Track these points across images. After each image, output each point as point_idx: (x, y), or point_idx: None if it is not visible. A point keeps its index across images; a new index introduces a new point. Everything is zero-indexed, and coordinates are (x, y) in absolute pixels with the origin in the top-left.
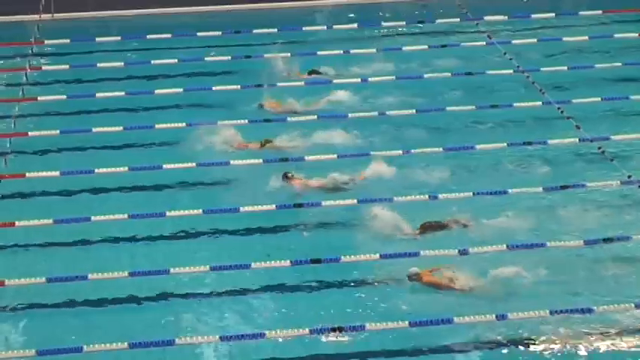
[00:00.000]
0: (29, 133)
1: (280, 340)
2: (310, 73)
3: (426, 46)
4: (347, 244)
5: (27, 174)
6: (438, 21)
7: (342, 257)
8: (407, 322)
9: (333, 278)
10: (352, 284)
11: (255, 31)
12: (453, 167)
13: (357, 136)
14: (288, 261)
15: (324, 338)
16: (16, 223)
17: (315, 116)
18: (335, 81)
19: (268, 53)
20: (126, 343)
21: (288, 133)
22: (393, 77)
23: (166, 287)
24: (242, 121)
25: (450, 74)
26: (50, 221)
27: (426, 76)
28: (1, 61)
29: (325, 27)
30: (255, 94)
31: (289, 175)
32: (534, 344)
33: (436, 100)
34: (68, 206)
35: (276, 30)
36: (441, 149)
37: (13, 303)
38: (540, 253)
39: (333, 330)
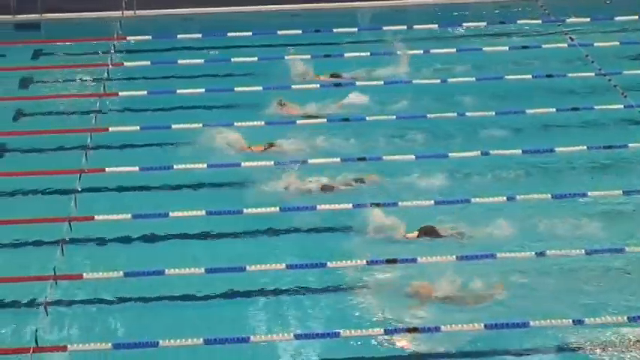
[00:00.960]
0: (110, 129)
1: (354, 339)
2: (332, 75)
3: (506, 48)
4: None
5: (107, 169)
6: (520, 22)
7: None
8: (482, 325)
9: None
10: None
11: (335, 30)
12: (530, 169)
13: (434, 135)
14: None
15: (399, 339)
16: (95, 217)
17: (394, 117)
18: (415, 81)
19: (348, 52)
20: (201, 339)
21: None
22: (473, 78)
23: (243, 284)
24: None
25: (530, 76)
26: (129, 216)
27: (506, 77)
28: (84, 57)
29: (405, 27)
30: (336, 93)
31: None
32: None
33: (516, 102)
34: (147, 201)
35: (355, 29)
36: (519, 151)
37: (91, 296)
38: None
39: (409, 331)
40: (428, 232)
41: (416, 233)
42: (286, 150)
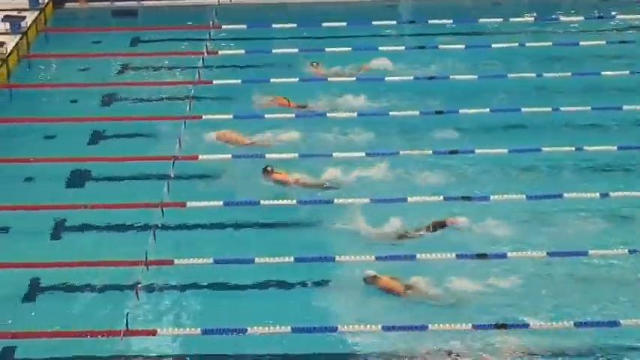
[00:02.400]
0: (203, 116)
1: (443, 333)
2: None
3: (603, 42)
4: None
5: (200, 156)
6: (619, 17)
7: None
8: (571, 323)
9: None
10: None
11: (430, 21)
12: (624, 165)
13: (526, 129)
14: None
15: (488, 334)
16: (187, 203)
17: (487, 109)
18: (510, 75)
19: (443, 44)
20: (289, 327)
21: None
22: (569, 74)
23: (331, 274)
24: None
25: (628, 72)
26: (220, 203)
27: (603, 73)
28: (180, 45)
29: (502, 19)
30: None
31: (269, 169)
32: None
33: (613, 98)
34: (238, 189)
35: (451, 21)
36: (615, 147)
37: (181, 282)
38: None
39: (498, 326)
40: None
41: None
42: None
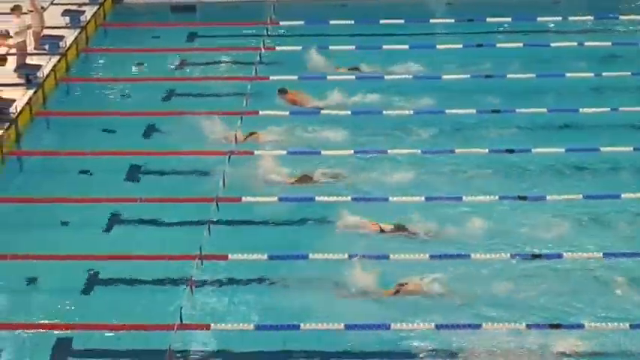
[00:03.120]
0: (260, 112)
1: (496, 332)
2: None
3: None
4: None
5: (255, 151)
6: None
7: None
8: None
9: None
10: None
11: (488, 19)
12: None
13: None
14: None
15: (540, 334)
16: (242, 198)
17: (545, 109)
18: (568, 75)
19: (500, 43)
20: (342, 324)
21: None
22: (629, 73)
23: (386, 273)
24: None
25: None
26: (275, 199)
27: None
28: (237, 40)
29: (560, 18)
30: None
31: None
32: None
33: None
34: (293, 185)
35: (509, 19)
36: None
37: (235, 277)
38: None
39: (552, 326)
40: None
41: None
42: None
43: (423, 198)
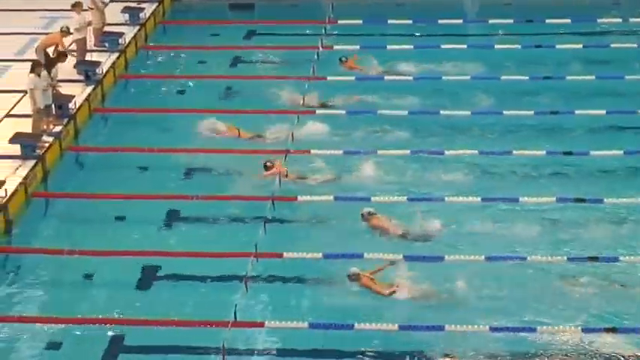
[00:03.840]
0: (317, 112)
1: (552, 335)
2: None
3: None
4: None
5: (311, 150)
6: None
7: None
8: None
9: None
10: None
11: (547, 20)
12: None
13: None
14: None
15: (597, 338)
16: (298, 197)
17: (604, 112)
18: (627, 77)
19: (559, 44)
20: (396, 325)
21: None
22: None
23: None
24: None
25: None
26: (330, 198)
27: None
28: (295, 39)
29: (620, 19)
30: (542, 86)
31: (268, 164)
32: None
33: None
34: (351, 184)
35: (569, 20)
36: None
37: (290, 275)
38: None
39: (607, 330)
40: None
41: None
42: None
43: (479, 199)
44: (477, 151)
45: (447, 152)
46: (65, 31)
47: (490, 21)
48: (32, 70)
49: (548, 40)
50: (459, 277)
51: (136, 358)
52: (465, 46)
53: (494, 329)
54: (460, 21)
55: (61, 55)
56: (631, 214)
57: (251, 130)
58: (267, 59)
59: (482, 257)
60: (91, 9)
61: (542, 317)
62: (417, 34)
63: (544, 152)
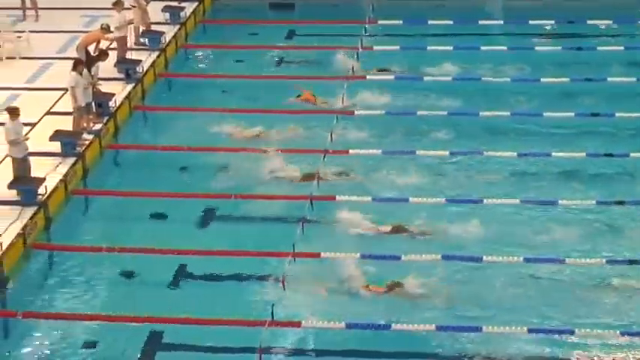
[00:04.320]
0: (355, 112)
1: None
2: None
3: None
4: None
5: (350, 150)
6: None
7: None
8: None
9: None
10: None
11: (589, 21)
12: None
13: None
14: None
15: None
16: (337, 197)
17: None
18: None
19: (600, 45)
20: (434, 326)
21: None
22: None
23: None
24: None
25: None
26: (369, 199)
27: None
28: (335, 39)
29: None
30: (582, 88)
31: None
32: None
33: None
34: (389, 186)
35: (611, 22)
36: None
37: (328, 275)
38: None
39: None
40: None
41: None
42: None
43: (518, 200)
44: (515, 153)
45: (485, 153)
46: (105, 29)
47: (531, 22)
48: (74, 68)
49: (589, 42)
50: (497, 279)
51: (173, 356)
52: (505, 48)
53: (532, 331)
54: (501, 22)
55: (102, 54)
56: None
57: (290, 127)
58: (307, 59)
59: (521, 259)
60: (133, 7)
61: (580, 320)
62: (457, 35)
63: (584, 154)
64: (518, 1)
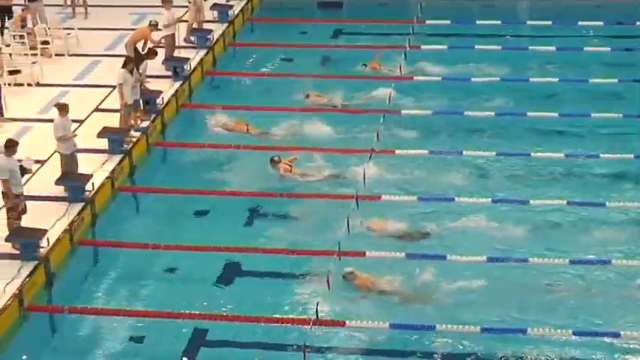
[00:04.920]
0: (402, 112)
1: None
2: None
3: None
4: None
5: (397, 151)
6: None
7: None
8: None
9: None
10: None
11: (638, 23)
12: None
13: None
14: None
15: None
16: (382, 196)
17: None
18: None
19: None
20: (478, 328)
21: None
22: None
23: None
24: None
25: None
26: (414, 198)
27: None
28: (383, 38)
29: None
30: (631, 89)
31: (276, 159)
32: None
33: None
34: (434, 186)
35: None
36: None
37: (373, 274)
38: None
39: None
40: None
41: None
42: None
43: (565, 202)
44: (562, 154)
45: (532, 154)
46: (154, 25)
47: (580, 23)
48: (124, 66)
49: (638, 43)
50: (542, 280)
51: (217, 353)
52: (553, 48)
53: (577, 333)
54: (549, 22)
55: (151, 53)
56: None
57: (340, 127)
58: (354, 58)
59: (567, 261)
60: (190, 2)
61: (624, 321)
62: (505, 35)
63: (632, 155)
64: (567, 1)
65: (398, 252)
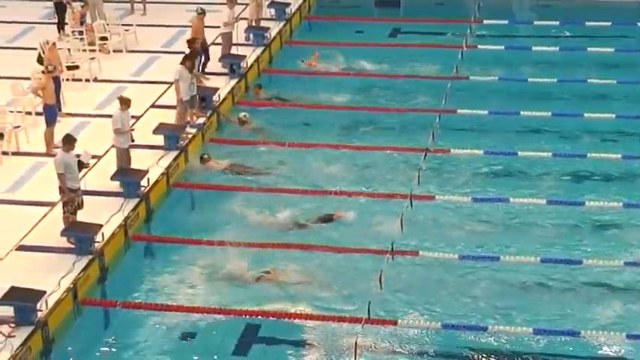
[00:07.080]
0: (458, 111)
1: None
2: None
3: None
4: None
5: (452, 150)
6: None
7: None
8: None
9: None
10: None
11: None
12: None
13: None
14: None
15: None
16: (436, 197)
17: None
18: None
19: None
20: (531, 329)
21: None
22: None
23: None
24: None
25: None
26: (468, 199)
27: None
28: (439, 38)
29: None
30: None
31: (205, 157)
32: None
33: None
34: (489, 185)
35: None
36: None
37: (426, 274)
38: None
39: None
40: None
41: None
42: None
43: (621, 204)
44: (620, 155)
45: (589, 155)
46: (201, 14)
47: (639, 24)
48: (182, 62)
49: None
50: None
51: (268, 350)
52: (611, 50)
53: (630, 337)
54: (609, 23)
55: (191, 42)
56: None
57: (392, 129)
58: (410, 58)
59: (622, 262)
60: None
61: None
62: (564, 36)
63: None
64: (626, 2)
65: (451, 254)
